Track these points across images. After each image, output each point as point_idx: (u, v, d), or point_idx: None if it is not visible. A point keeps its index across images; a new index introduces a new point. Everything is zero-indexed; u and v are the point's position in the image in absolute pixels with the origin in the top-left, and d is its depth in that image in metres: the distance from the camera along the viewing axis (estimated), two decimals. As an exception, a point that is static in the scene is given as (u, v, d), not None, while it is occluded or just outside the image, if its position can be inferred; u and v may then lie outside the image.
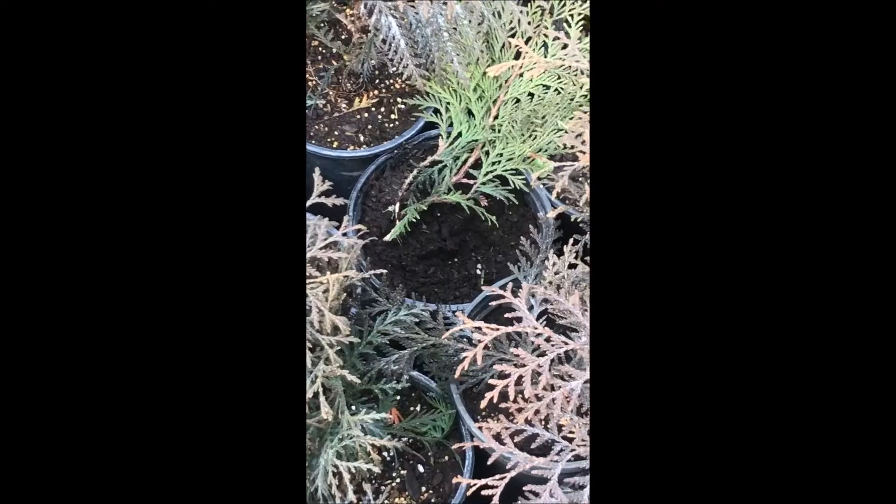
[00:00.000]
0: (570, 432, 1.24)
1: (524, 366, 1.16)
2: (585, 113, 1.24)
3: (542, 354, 1.18)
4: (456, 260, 1.67)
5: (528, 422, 1.22)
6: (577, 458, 1.22)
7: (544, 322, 1.23)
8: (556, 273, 1.33)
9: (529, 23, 1.57)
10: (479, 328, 1.18)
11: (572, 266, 1.35)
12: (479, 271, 1.66)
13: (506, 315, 1.21)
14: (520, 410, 1.19)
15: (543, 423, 1.23)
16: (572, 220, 1.50)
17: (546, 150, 1.59)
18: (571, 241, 1.36)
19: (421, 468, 1.50)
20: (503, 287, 1.23)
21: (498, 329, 1.18)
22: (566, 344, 1.18)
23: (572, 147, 1.24)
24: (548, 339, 1.18)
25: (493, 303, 1.22)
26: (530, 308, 1.26)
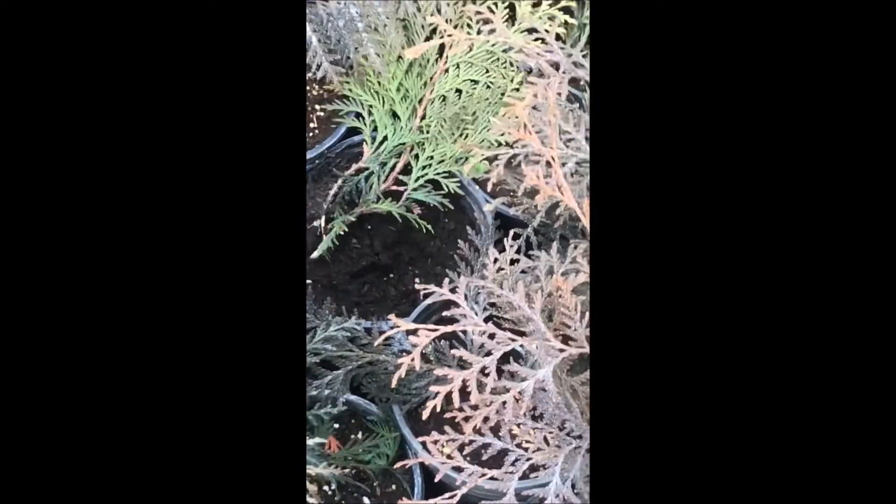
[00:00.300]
0: (526, 441, 1.12)
1: (469, 367, 1.04)
2: (518, 99, 1.13)
3: (488, 354, 1.05)
4: (392, 275, 1.55)
5: (477, 431, 1.09)
6: (534, 468, 1.10)
7: (490, 321, 1.11)
8: (498, 270, 1.21)
9: (453, 11, 1.47)
10: (415, 331, 1.06)
11: (514, 262, 1.23)
12: (417, 286, 1.54)
13: (444, 313, 1.09)
14: (467, 419, 1.07)
15: (494, 431, 1.10)
16: (511, 213, 1.39)
17: (480, 147, 1.48)
18: (512, 234, 1.25)
19: (367, 501, 1.36)
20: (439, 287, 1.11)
21: (436, 329, 1.05)
22: (513, 341, 1.06)
23: (506, 134, 1.14)
24: (492, 336, 1.06)
25: (430, 300, 1.09)
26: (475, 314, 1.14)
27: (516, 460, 1.09)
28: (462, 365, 1.08)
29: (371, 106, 1.53)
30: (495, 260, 1.20)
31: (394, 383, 1.06)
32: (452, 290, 1.08)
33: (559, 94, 1.15)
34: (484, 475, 1.08)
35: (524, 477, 1.10)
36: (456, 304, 1.08)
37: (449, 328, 1.05)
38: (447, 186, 1.52)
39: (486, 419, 1.07)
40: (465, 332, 1.30)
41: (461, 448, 1.11)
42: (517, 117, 1.09)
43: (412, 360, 1.03)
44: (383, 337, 1.11)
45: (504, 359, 1.07)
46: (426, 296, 1.07)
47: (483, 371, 1.06)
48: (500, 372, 1.07)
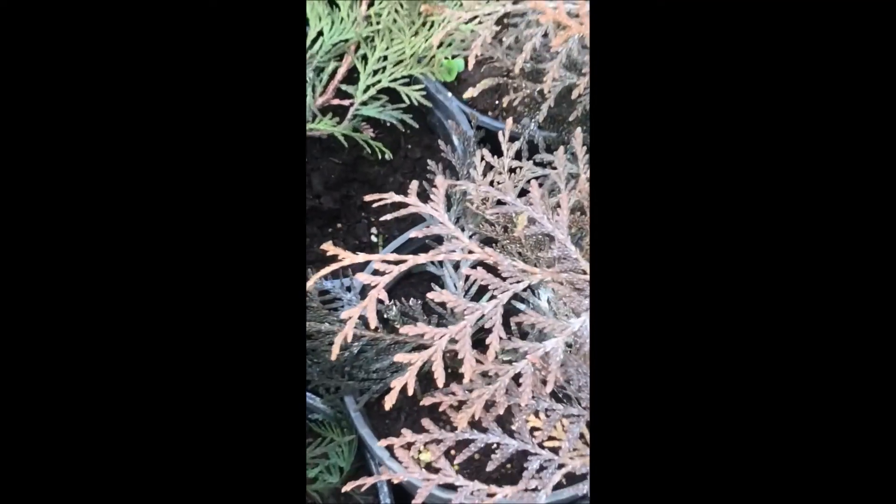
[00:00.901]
0: (553, 437, 0.72)
1: (459, 321, 0.64)
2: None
3: (492, 297, 0.65)
4: (339, 225, 1.21)
5: (475, 425, 0.69)
6: (569, 479, 0.70)
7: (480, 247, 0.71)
8: (491, 183, 0.81)
9: None
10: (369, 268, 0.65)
11: (514, 170, 0.83)
12: (374, 237, 1.19)
13: (413, 234, 0.68)
14: (459, 406, 0.67)
15: (503, 424, 0.71)
16: (499, 124, 1.00)
17: (449, 44, 1.12)
18: (508, 129, 0.84)
19: (314, 536, 0.98)
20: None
21: (403, 260, 0.64)
22: (525, 273, 0.66)
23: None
24: (493, 270, 0.66)
25: (398, 212, 0.69)
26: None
27: (541, 469, 0.69)
28: (444, 322, 0.68)
29: (299, -9, 1.16)
30: (488, 168, 0.80)
31: (334, 354, 0.65)
32: (424, 197, 0.67)
33: None
34: (491, 496, 0.68)
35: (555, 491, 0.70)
36: (432, 216, 0.67)
37: (423, 257, 0.65)
38: (408, 97, 1.17)
39: (489, 405, 0.67)
40: (443, 283, 0.91)
41: (450, 454, 0.71)
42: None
43: (365, 309, 0.62)
44: (319, 275, 0.69)
45: (508, 312, 0.68)
46: (380, 210, 0.67)
47: (482, 329, 0.66)
48: (506, 329, 0.67)
